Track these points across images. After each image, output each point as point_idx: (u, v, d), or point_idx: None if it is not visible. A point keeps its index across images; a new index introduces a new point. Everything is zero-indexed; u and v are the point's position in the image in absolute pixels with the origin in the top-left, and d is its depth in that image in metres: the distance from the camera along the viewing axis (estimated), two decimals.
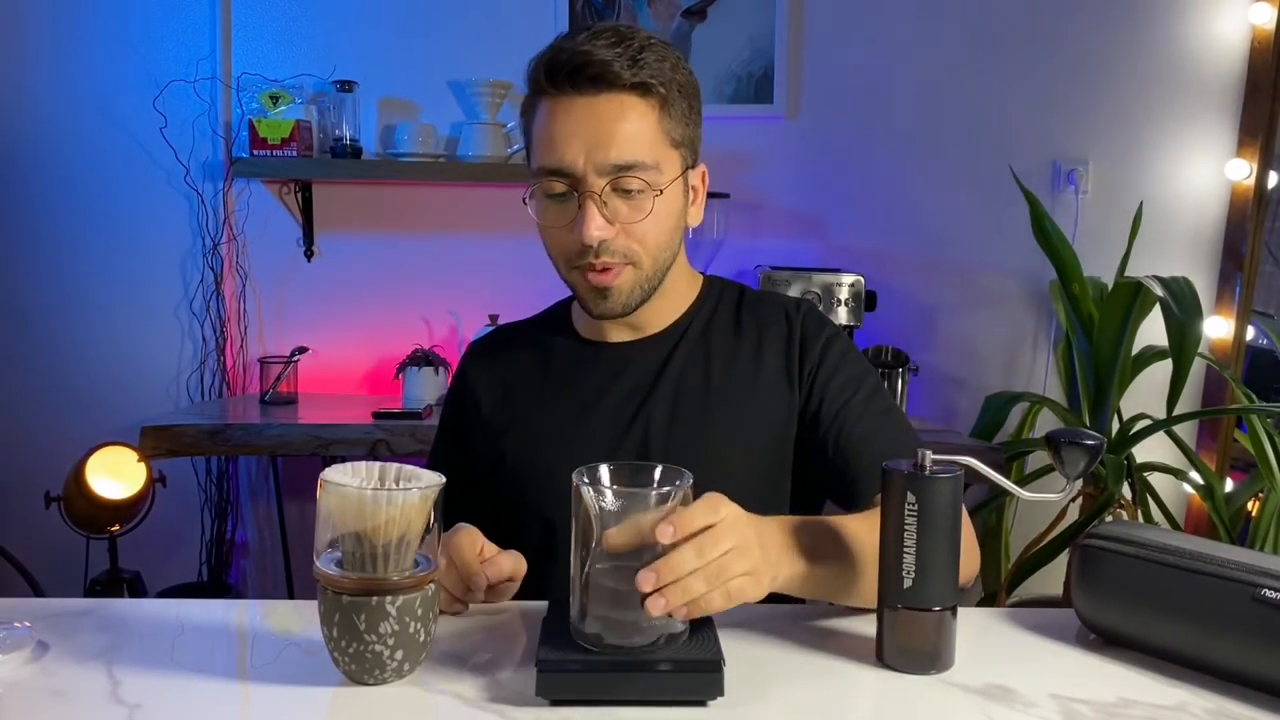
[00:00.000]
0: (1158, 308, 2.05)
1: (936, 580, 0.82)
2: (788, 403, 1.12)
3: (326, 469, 0.80)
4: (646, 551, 0.78)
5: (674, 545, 0.77)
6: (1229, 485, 2.42)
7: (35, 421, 2.49)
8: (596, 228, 1.02)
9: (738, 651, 0.84)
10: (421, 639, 0.80)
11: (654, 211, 1.04)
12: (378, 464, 0.81)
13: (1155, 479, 2.32)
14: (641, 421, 1.11)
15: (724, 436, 1.10)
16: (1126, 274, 2.22)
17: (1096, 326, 2.22)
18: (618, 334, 1.16)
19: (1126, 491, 2.23)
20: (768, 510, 1.00)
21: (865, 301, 2.29)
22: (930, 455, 0.82)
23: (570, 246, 1.05)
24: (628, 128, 1.02)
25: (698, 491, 0.85)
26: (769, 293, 1.27)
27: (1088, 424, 2.32)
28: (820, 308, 2.25)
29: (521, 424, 1.15)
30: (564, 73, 1.02)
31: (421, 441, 2.07)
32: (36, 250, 2.47)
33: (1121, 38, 2.45)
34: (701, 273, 1.23)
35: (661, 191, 1.05)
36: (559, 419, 1.14)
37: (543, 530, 1.09)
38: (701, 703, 0.77)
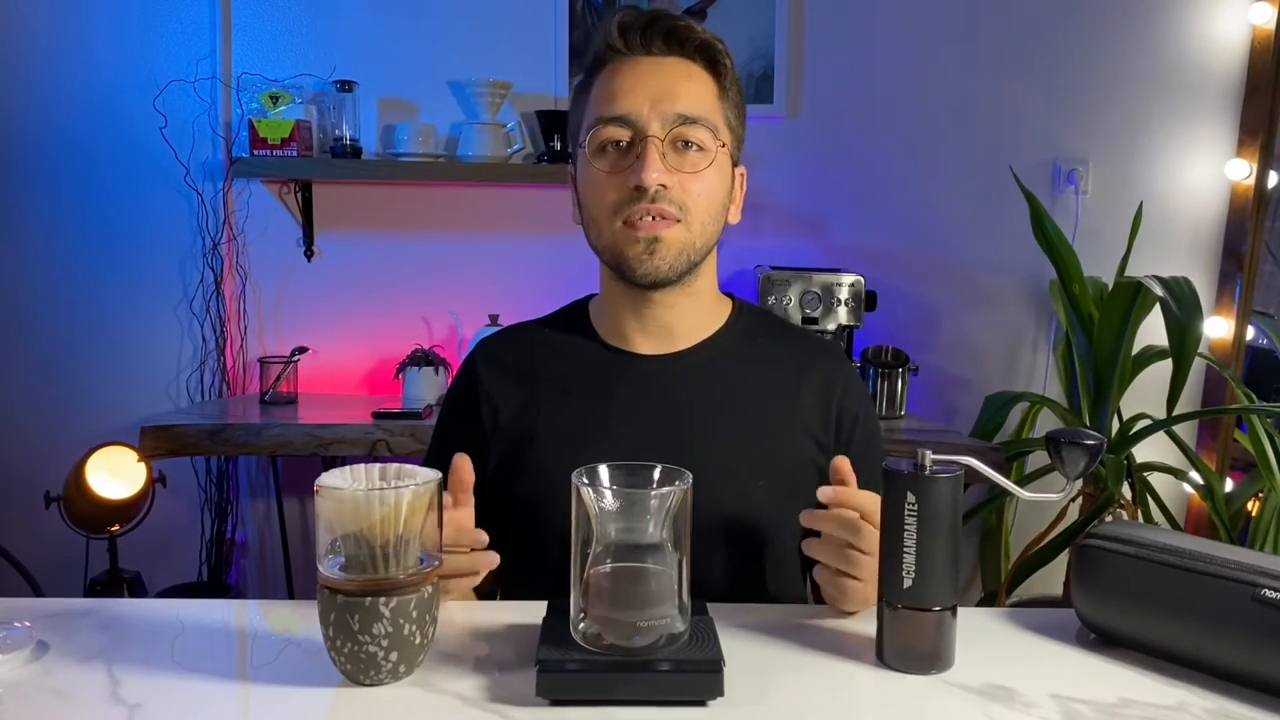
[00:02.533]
0: (1158, 308, 2.05)
1: (936, 580, 0.82)
2: (820, 448, 1.12)
3: (322, 475, 0.80)
4: (647, 551, 0.78)
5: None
6: (1229, 485, 2.42)
7: (35, 421, 2.49)
8: (656, 170, 1.02)
9: (738, 651, 0.84)
10: (417, 641, 0.80)
11: (710, 172, 1.06)
12: (376, 465, 0.81)
13: (1155, 479, 2.32)
14: (676, 443, 1.07)
15: (759, 469, 1.08)
16: (1126, 274, 2.22)
17: (1096, 326, 2.22)
18: (647, 345, 1.13)
19: (1126, 491, 2.23)
20: (785, 543, 1.01)
21: (865, 301, 2.29)
22: (930, 455, 0.82)
23: (622, 193, 1.04)
24: (692, 86, 1.06)
25: (726, 519, 0.96)
26: (804, 329, 1.28)
27: (1088, 424, 2.32)
28: (820, 308, 2.26)
29: (546, 436, 1.10)
30: (636, 28, 1.05)
31: (421, 441, 2.07)
32: (36, 250, 2.47)
33: (1121, 38, 2.45)
34: (725, 293, 1.21)
35: (725, 145, 1.07)
36: (588, 434, 1.09)
37: (565, 547, 1.05)
38: (701, 703, 0.77)
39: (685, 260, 1.07)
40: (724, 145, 1.07)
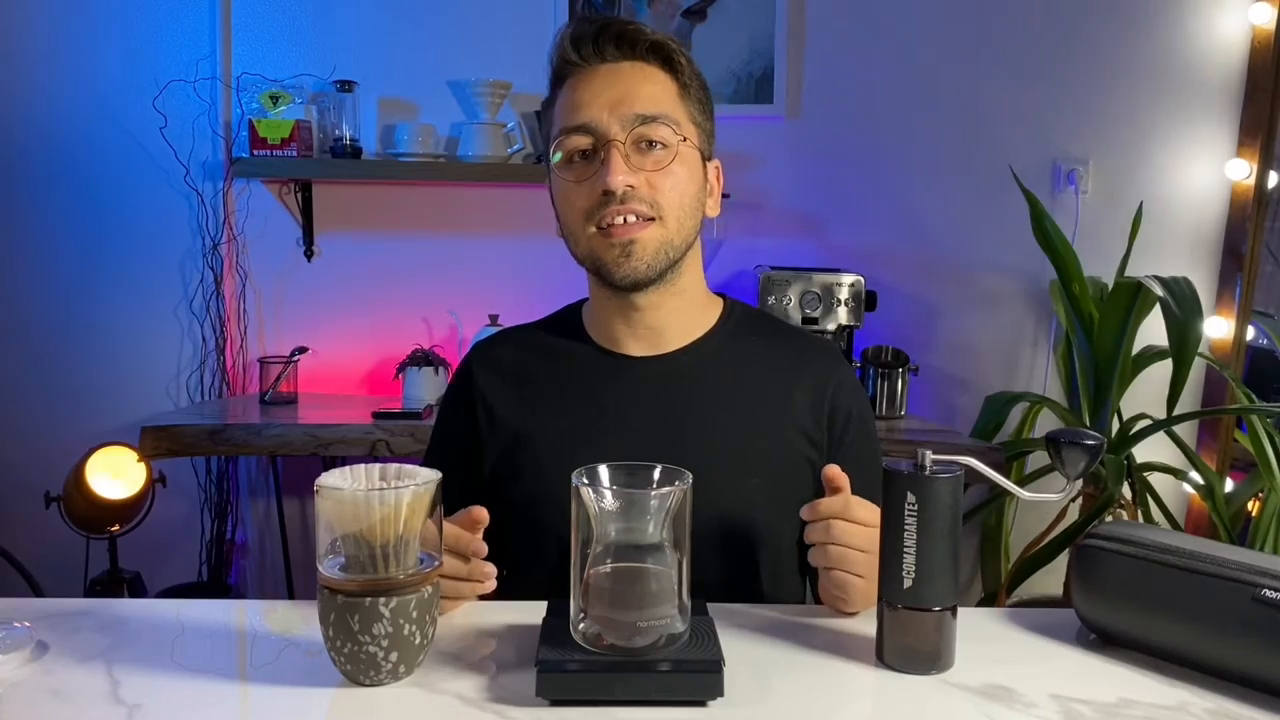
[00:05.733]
0: (1158, 308, 2.05)
1: (936, 580, 0.82)
2: (813, 445, 1.12)
3: (322, 475, 0.80)
4: (647, 551, 0.78)
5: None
6: (1229, 485, 2.42)
7: (35, 421, 2.49)
8: (620, 173, 1.03)
9: (738, 651, 0.84)
10: (417, 641, 0.80)
11: (676, 166, 1.06)
12: (376, 465, 0.82)
13: (1155, 479, 2.32)
14: (669, 444, 1.07)
15: (753, 467, 1.09)
16: (1126, 274, 2.22)
17: (1096, 326, 2.22)
18: (639, 347, 1.14)
19: (1126, 491, 2.23)
20: (781, 540, 1.00)
21: (865, 301, 2.29)
22: (930, 455, 0.82)
23: (592, 199, 1.05)
24: (650, 87, 1.07)
25: (721, 518, 0.96)
26: (798, 328, 1.28)
27: (1088, 424, 2.32)
28: (820, 308, 2.26)
29: (541, 439, 1.11)
30: (589, 37, 1.07)
31: (421, 441, 2.07)
32: (36, 250, 2.47)
33: (1122, 38, 2.45)
34: (718, 293, 1.21)
35: (685, 139, 1.07)
36: (582, 437, 1.10)
37: (561, 549, 1.05)
38: (701, 703, 0.77)
39: (664, 258, 1.07)
40: (685, 140, 1.08)
